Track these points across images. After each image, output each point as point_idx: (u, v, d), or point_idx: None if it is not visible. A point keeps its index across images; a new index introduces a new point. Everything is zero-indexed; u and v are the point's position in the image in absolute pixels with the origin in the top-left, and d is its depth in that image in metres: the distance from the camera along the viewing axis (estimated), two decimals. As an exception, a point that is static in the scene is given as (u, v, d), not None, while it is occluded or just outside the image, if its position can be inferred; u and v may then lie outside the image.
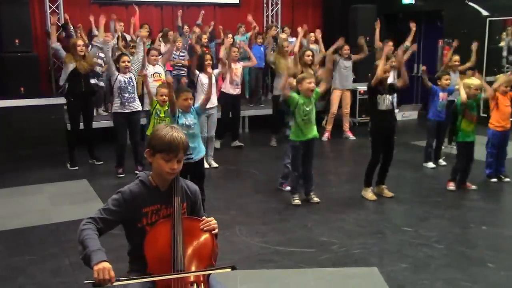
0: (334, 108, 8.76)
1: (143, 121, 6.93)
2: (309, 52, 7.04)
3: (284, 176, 5.86)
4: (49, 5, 9.69)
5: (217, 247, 2.30)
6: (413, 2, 11.14)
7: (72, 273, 3.84)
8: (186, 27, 9.91)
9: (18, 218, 5.06)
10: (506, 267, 3.92)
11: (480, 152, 6.29)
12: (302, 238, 4.53)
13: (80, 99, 6.86)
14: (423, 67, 7.04)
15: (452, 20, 10.34)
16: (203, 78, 6.71)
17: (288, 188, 5.69)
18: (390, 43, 7.77)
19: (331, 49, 7.47)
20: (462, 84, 5.70)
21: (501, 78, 6.26)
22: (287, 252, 4.22)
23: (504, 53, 9.84)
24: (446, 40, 10.38)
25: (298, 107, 5.15)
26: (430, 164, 6.86)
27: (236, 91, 7.78)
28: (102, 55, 7.73)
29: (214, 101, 6.85)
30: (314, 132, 5.31)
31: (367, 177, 5.60)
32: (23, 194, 5.88)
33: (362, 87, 9.46)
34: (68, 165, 6.95)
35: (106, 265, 2.05)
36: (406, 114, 10.46)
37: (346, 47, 8.52)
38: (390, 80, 5.96)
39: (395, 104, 5.56)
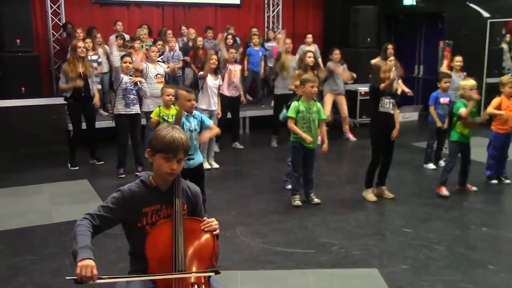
0: (326, 112, 8.68)
1: (143, 121, 6.95)
2: (310, 54, 7.06)
3: (288, 174, 5.85)
4: (50, 5, 9.69)
5: (218, 247, 2.30)
6: (414, 3, 11.12)
7: (72, 273, 3.82)
8: (183, 27, 9.90)
9: (19, 218, 5.06)
10: (506, 269, 3.92)
11: (480, 154, 6.29)
12: (303, 239, 4.53)
13: (79, 101, 6.83)
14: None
15: (453, 21, 10.32)
16: (209, 80, 6.76)
17: (290, 186, 5.69)
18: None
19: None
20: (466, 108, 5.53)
21: (504, 79, 6.22)
22: (288, 253, 4.22)
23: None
24: (446, 41, 10.37)
25: (300, 113, 5.18)
26: (431, 165, 6.86)
27: (234, 93, 7.77)
28: (95, 57, 8.00)
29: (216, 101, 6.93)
30: (314, 142, 5.28)
31: (368, 178, 5.60)
32: (24, 194, 5.88)
33: (363, 88, 9.47)
34: (69, 165, 6.95)
35: (90, 262, 2.04)
36: (407, 115, 10.45)
37: (337, 51, 8.42)
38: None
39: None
